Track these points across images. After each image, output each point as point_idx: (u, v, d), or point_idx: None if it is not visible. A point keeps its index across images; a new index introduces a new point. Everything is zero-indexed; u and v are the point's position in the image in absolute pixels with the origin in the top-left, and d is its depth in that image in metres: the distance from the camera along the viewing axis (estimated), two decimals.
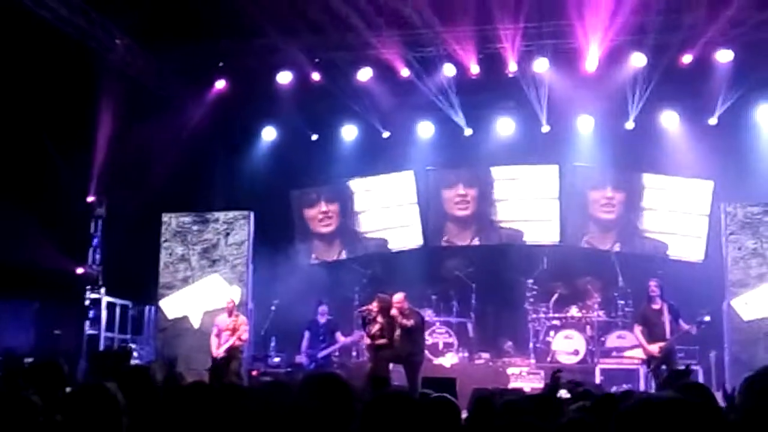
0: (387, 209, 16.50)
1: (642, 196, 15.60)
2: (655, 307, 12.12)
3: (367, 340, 12.18)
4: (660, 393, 2.33)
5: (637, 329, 12.29)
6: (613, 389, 11.60)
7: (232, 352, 12.89)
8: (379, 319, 11.98)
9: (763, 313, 13.20)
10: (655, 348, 11.83)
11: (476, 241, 16.24)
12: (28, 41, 13.18)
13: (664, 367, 11.82)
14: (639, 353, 12.65)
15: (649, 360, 12.04)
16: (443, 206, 16.36)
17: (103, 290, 14.92)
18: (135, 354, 14.60)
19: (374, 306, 12.17)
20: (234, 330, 13.00)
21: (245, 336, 13.18)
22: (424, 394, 5.54)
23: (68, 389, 4.70)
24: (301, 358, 13.89)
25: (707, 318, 12.12)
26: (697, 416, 2.22)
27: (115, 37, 14.38)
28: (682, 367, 10.32)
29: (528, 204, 15.98)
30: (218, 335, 13.12)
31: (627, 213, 15.62)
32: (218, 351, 12.91)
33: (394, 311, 11.89)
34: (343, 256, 16.61)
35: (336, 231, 16.73)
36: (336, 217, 16.67)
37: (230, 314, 13.23)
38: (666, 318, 11.99)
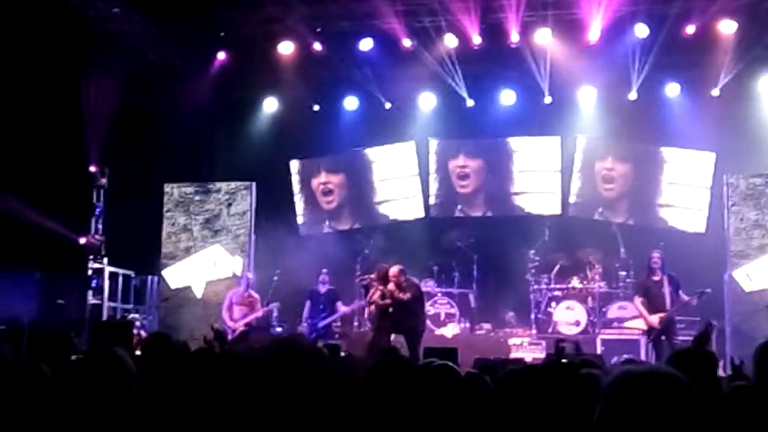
0: (389, 180, 16.47)
1: (648, 167, 15.55)
2: (656, 278, 12.17)
3: (371, 308, 12.25)
4: (643, 366, 2.30)
5: (638, 300, 12.36)
6: (614, 359, 11.67)
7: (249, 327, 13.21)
8: (380, 287, 12.06)
9: (765, 284, 13.24)
10: (655, 319, 11.90)
11: (489, 213, 16.21)
12: (26, 10, 13.09)
13: (663, 337, 11.91)
14: (640, 324, 12.67)
15: (650, 330, 12.12)
16: (450, 179, 16.33)
17: (105, 260, 14.98)
18: (138, 324, 14.67)
19: (374, 275, 12.25)
20: (251, 306, 13.19)
21: (260, 313, 13.46)
22: (426, 363, 5.56)
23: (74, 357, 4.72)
24: (303, 328, 13.96)
25: (708, 290, 12.22)
26: (683, 391, 2.20)
27: (114, 6, 14.27)
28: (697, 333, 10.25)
29: (530, 175, 15.95)
30: (230, 308, 13.22)
31: (635, 185, 15.55)
32: (237, 324, 13.06)
33: (390, 285, 11.93)
34: (356, 225, 16.50)
35: (343, 204, 16.63)
36: (338, 191, 16.55)
37: (246, 290, 13.36)
38: (666, 289, 12.04)
